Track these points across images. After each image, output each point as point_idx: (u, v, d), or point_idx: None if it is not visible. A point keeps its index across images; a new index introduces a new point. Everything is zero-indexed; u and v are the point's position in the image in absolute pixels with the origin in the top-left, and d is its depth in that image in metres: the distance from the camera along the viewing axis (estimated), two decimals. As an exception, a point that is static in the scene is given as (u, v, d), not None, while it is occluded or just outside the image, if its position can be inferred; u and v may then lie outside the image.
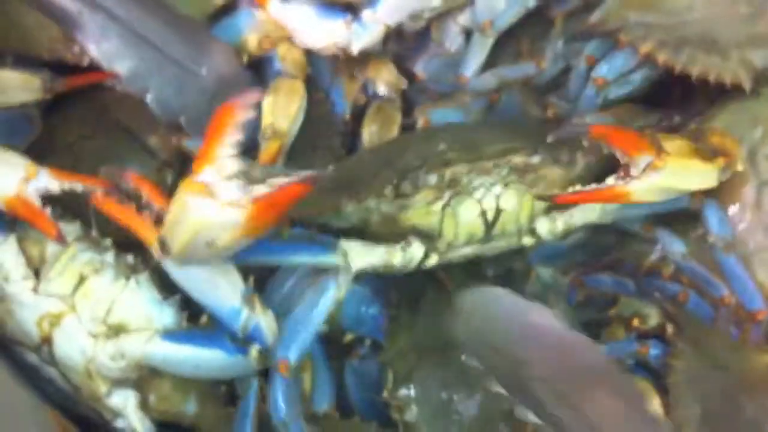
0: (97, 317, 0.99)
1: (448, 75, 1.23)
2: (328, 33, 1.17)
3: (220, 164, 0.86)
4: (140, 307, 1.00)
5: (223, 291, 0.97)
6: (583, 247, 1.15)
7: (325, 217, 1.02)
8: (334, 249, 1.01)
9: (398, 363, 1.05)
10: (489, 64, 1.21)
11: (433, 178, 0.96)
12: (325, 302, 1.00)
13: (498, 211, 0.97)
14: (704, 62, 1.09)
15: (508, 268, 1.13)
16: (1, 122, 1.13)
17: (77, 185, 1.00)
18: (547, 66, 1.22)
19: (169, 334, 0.99)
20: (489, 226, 0.98)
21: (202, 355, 0.98)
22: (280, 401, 0.97)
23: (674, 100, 1.21)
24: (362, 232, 1.02)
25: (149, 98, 1.05)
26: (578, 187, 0.96)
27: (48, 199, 1.01)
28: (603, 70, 1.16)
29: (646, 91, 1.19)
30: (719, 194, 1.06)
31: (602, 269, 1.15)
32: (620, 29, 1.12)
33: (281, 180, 0.86)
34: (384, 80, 1.23)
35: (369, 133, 1.21)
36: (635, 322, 1.10)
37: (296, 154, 1.16)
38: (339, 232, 1.02)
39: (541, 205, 1.00)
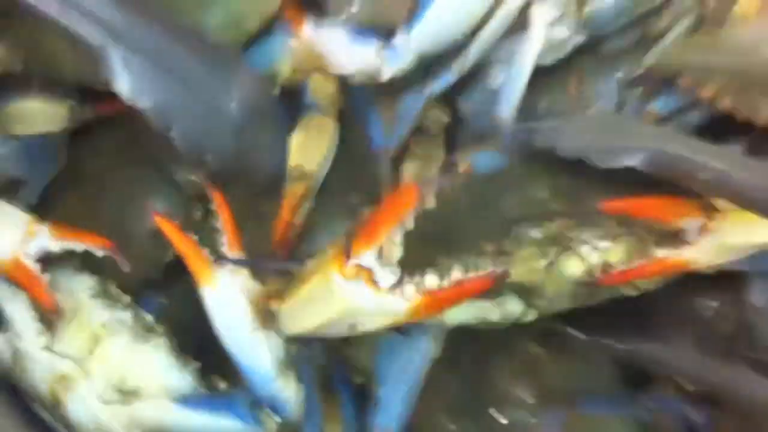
0: (110, 382, 0.95)
1: (491, 113, 1.15)
2: (359, 59, 1.10)
3: (386, 249, 0.78)
4: (157, 373, 0.95)
5: (261, 353, 0.91)
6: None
7: None
8: None
9: (430, 424, 1.00)
10: (534, 98, 1.13)
11: (536, 233, 0.88)
12: (423, 362, 0.93)
13: (605, 267, 0.89)
14: None
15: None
16: (25, 152, 1.09)
17: (79, 245, 0.96)
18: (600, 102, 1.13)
19: (185, 402, 0.93)
20: (592, 285, 0.89)
21: (218, 425, 0.93)
22: None
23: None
24: None
25: (174, 134, 1.00)
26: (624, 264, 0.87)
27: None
28: (658, 105, 1.08)
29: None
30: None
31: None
32: (680, 72, 1.04)
33: (457, 274, 0.79)
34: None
35: (410, 171, 1.14)
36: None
37: (331, 194, 1.11)
38: None
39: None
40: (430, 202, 0.84)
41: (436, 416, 1.00)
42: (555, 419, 0.93)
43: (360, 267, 0.78)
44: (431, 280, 0.79)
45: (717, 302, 1.03)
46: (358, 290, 0.78)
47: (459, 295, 0.80)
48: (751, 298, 0.98)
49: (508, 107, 1.08)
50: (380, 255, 0.78)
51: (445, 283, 0.79)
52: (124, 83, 0.94)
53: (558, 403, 0.94)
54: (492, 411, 0.97)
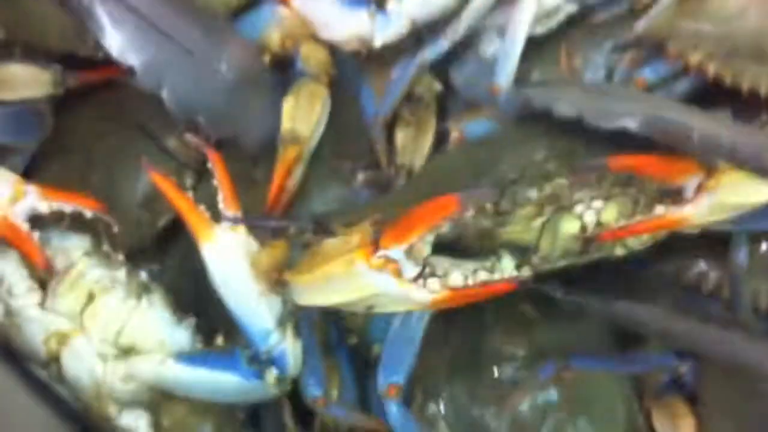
0: (106, 339, 0.94)
1: (483, 81, 1.16)
2: (351, 25, 1.10)
3: (416, 248, 0.81)
4: (152, 328, 0.95)
5: (260, 307, 0.91)
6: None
7: None
8: None
9: (427, 378, 1.00)
10: (526, 69, 1.13)
11: (533, 193, 0.89)
12: (420, 318, 0.95)
13: (599, 226, 0.90)
14: (755, 74, 1.01)
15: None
16: (8, 119, 1.08)
17: (66, 205, 0.95)
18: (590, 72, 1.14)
19: (183, 357, 0.93)
20: (587, 241, 0.91)
21: (216, 379, 0.92)
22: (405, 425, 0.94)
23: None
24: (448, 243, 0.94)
25: (164, 93, 0.99)
26: (622, 222, 0.89)
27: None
28: (646, 72, 1.08)
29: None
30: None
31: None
32: (669, 39, 1.05)
33: (482, 275, 0.83)
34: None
35: (402, 138, 1.14)
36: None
37: (324, 161, 1.11)
38: None
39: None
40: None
41: (433, 373, 1.00)
42: (546, 374, 0.94)
43: (387, 259, 0.79)
44: (456, 278, 0.82)
45: (702, 264, 1.04)
46: (383, 279, 0.80)
47: (482, 294, 0.83)
48: (735, 258, 1.00)
49: (504, 75, 1.08)
50: (409, 251, 0.80)
51: (470, 282, 0.82)
52: (112, 40, 0.94)
53: (549, 359, 0.94)
54: (486, 366, 0.98)
